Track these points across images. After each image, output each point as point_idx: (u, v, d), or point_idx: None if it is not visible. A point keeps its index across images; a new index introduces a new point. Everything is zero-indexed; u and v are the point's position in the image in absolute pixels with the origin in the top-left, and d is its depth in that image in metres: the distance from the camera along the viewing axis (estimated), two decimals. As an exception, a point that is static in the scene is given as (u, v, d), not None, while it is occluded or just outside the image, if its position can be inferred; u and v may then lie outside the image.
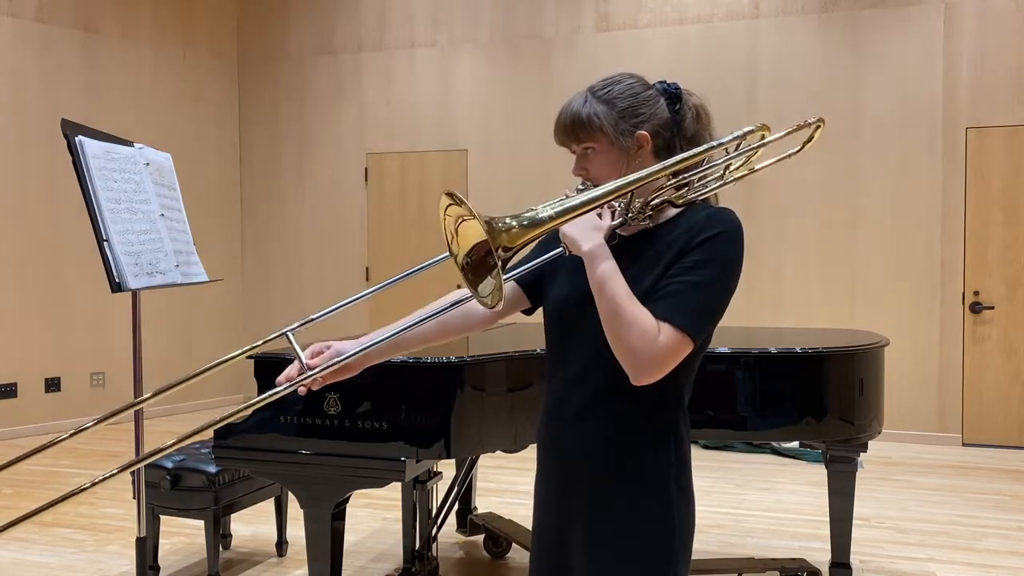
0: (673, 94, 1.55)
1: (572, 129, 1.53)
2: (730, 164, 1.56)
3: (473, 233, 1.30)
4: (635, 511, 1.48)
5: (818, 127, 1.57)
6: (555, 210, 1.35)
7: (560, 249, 1.45)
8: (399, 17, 7.54)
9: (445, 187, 1.41)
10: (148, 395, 1.45)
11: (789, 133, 1.59)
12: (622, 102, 1.51)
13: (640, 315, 1.37)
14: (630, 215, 1.48)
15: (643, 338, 1.36)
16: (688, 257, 1.42)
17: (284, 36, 7.94)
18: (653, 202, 1.49)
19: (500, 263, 1.27)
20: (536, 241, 1.40)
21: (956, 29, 6.14)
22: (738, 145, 1.54)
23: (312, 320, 1.55)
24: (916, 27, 6.21)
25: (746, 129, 1.53)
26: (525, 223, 1.31)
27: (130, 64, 7.25)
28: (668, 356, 1.38)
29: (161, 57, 7.47)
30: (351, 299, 1.56)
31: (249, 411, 1.38)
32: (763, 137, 1.54)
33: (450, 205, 1.31)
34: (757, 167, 1.61)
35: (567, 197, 1.40)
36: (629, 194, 1.45)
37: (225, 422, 1.39)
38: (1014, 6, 6.03)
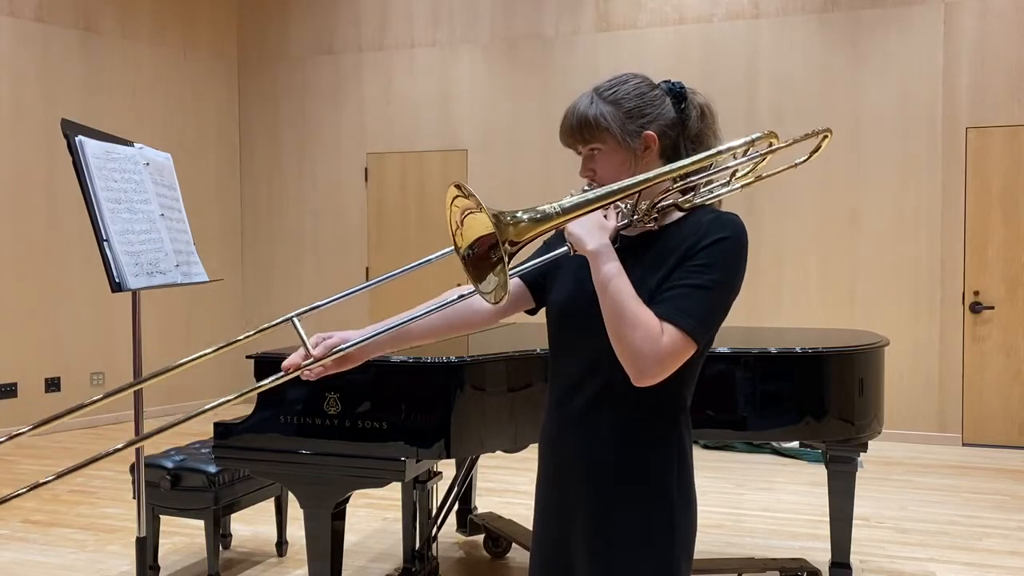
0: (678, 93, 1.55)
1: (579, 130, 1.52)
2: (737, 170, 1.56)
3: (479, 226, 1.30)
4: (637, 514, 1.48)
5: (825, 136, 1.57)
6: (563, 206, 1.35)
7: (565, 248, 1.43)
8: (399, 17, 7.54)
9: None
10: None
11: (796, 142, 1.58)
12: (629, 102, 1.50)
13: (644, 315, 1.36)
14: (636, 217, 1.47)
15: (646, 339, 1.35)
16: (692, 261, 1.42)
17: (284, 36, 7.93)
18: (659, 204, 1.48)
19: (506, 257, 1.27)
20: (542, 239, 1.39)
21: (956, 29, 6.14)
22: (746, 151, 1.53)
23: (318, 307, 1.54)
24: (916, 27, 6.21)
25: (754, 135, 1.52)
26: (533, 218, 1.31)
27: (130, 64, 7.24)
28: (671, 357, 1.37)
29: (161, 57, 7.47)
30: (357, 288, 1.56)
31: (254, 393, 1.37)
32: (770, 144, 1.53)
33: (457, 197, 1.30)
34: (764, 175, 1.61)
35: (573, 196, 1.39)
36: (636, 195, 1.45)
37: (221, 405, 1.39)
38: (1014, 6, 6.03)
